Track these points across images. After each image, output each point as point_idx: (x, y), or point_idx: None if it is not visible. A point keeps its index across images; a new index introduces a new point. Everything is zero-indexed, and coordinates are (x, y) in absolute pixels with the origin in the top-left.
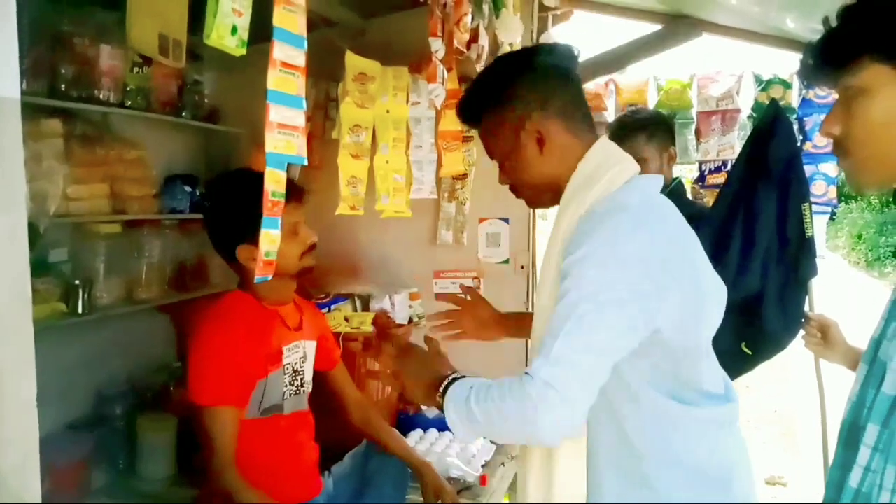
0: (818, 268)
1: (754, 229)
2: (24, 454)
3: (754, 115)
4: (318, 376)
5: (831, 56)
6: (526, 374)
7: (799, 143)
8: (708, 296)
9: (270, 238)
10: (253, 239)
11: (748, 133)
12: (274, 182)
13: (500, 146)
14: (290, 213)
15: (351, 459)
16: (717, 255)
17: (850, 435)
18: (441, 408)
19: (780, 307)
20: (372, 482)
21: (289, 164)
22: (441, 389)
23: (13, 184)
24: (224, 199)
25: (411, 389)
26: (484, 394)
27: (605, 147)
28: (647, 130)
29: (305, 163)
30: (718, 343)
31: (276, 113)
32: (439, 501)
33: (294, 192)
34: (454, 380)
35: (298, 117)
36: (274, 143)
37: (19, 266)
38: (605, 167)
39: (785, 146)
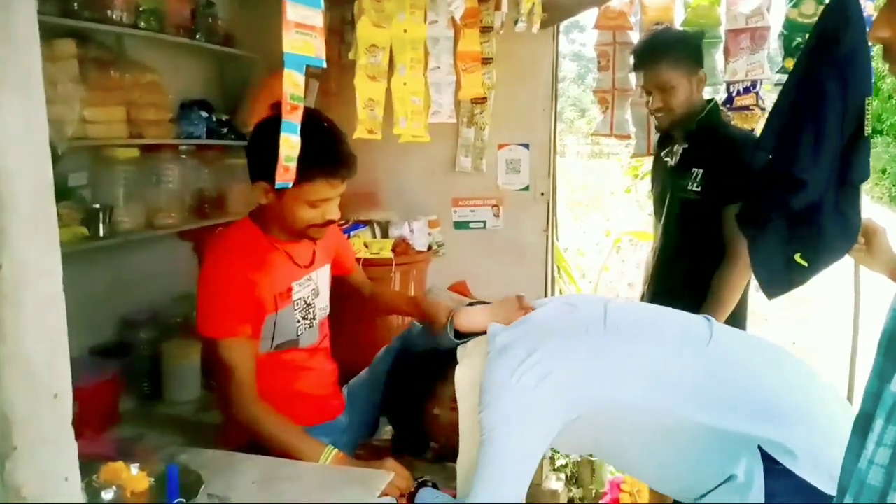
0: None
1: (823, 127)
2: (52, 347)
3: (785, 32)
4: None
5: None
6: None
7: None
8: None
9: (290, 143)
10: (269, 178)
11: (779, 51)
12: (292, 84)
13: None
14: (326, 188)
15: (367, 373)
16: (779, 158)
17: (892, 344)
18: None
19: (837, 212)
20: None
21: (307, 82)
22: None
23: (35, 106)
24: (255, 131)
25: None
26: None
27: None
28: (671, 55)
29: (324, 64)
30: (771, 255)
31: (293, 11)
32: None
33: (343, 168)
34: None
35: (316, 16)
36: (291, 43)
37: (43, 175)
38: None
39: (855, 34)
